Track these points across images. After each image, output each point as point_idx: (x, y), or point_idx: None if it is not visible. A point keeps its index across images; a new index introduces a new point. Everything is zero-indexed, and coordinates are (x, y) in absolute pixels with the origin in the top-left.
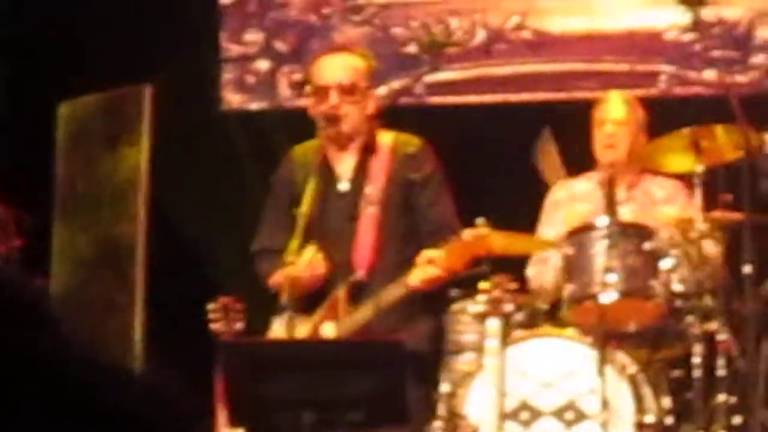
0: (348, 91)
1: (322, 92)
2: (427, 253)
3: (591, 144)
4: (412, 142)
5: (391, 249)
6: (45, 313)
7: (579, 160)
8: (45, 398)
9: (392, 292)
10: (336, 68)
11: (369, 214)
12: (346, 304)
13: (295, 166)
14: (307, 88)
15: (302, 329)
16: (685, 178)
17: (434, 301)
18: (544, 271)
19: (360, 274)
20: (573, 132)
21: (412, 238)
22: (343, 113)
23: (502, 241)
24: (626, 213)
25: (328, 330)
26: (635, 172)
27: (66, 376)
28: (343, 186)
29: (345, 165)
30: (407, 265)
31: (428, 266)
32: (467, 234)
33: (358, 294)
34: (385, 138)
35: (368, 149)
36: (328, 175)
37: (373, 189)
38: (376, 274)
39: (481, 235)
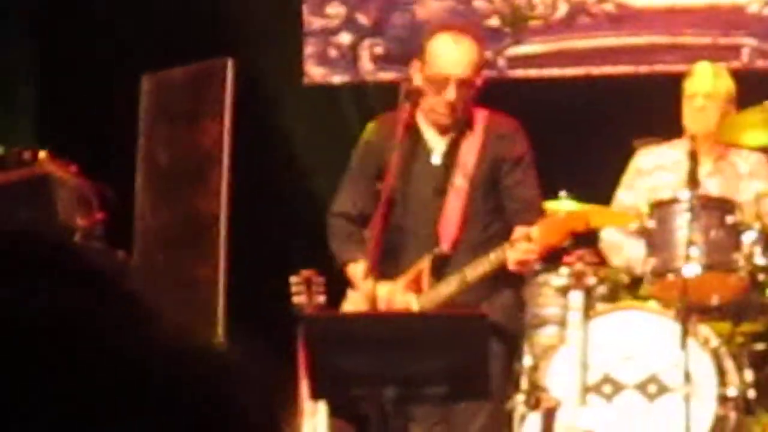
0: (466, 84)
1: (441, 81)
2: (523, 230)
3: (679, 114)
4: (506, 123)
5: (476, 225)
6: (122, 287)
7: (663, 133)
8: (118, 375)
9: (479, 268)
10: (459, 60)
11: (458, 189)
12: (430, 277)
13: (383, 134)
14: (418, 66)
15: (383, 294)
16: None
17: (514, 274)
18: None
19: (445, 247)
20: (655, 106)
21: (497, 216)
22: (459, 107)
23: (596, 216)
24: (712, 185)
25: (410, 303)
26: (722, 144)
27: (143, 353)
28: (435, 159)
29: (439, 139)
30: (491, 242)
31: (523, 243)
32: (563, 209)
33: (440, 267)
34: (480, 116)
35: (464, 126)
36: (419, 147)
37: (465, 165)
38: (460, 248)
39: (578, 211)
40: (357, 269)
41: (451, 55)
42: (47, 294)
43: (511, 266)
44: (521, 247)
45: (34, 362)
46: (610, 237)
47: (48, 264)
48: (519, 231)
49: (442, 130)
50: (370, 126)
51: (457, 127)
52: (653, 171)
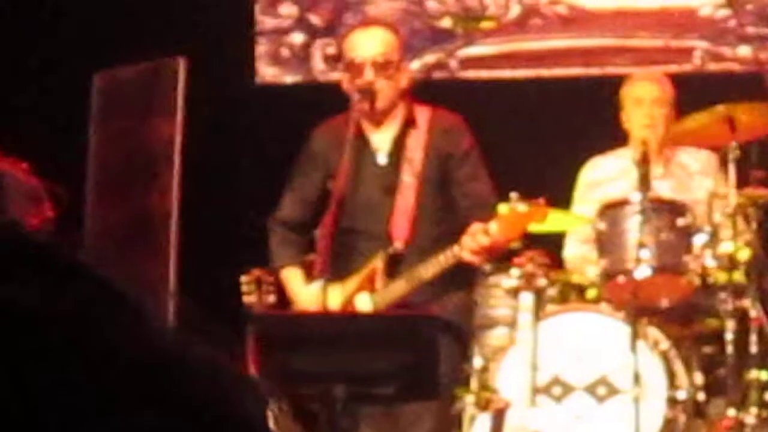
0: (382, 66)
1: (356, 68)
2: (479, 225)
3: (620, 120)
4: (449, 117)
5: (428, 222)
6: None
7: (609, 136)
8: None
9: (433, 265)
10: (369, 44)
11: (407, 186)
12: (383, 275)
13: (327, 139)
14: (341, 64)
15: (335, 297)
16: (718, 154)
17: (465, 275)
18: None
19: (398, 245)
20: (606, 108)
21: (447, 213)
22: (378, 89)
23: (555, 215)
24: (664, 188)
25: (363, 301)
26: (669, 146)
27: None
28: (382, 159)
29: (383, 138)
30: (443, 239)
31: (481, 234)
32: (523, 205)
33: (393, 265)
34: (423, 113)
35: (407, 123)
36: (364, 149)
37: (412, 161)
38: (413, 246)
39: (539, 206)
40: (290, 274)
41: (359, 41)
42: (43, 289)
43: (467, 256)
44: (479, 237)
45: (37, 360)
46: (572, 251)
47: (38, 259)
48: (476, 225)
49: (377, 122)
50: (313, 133)
51: (392, 117)
52: (602, 182)
